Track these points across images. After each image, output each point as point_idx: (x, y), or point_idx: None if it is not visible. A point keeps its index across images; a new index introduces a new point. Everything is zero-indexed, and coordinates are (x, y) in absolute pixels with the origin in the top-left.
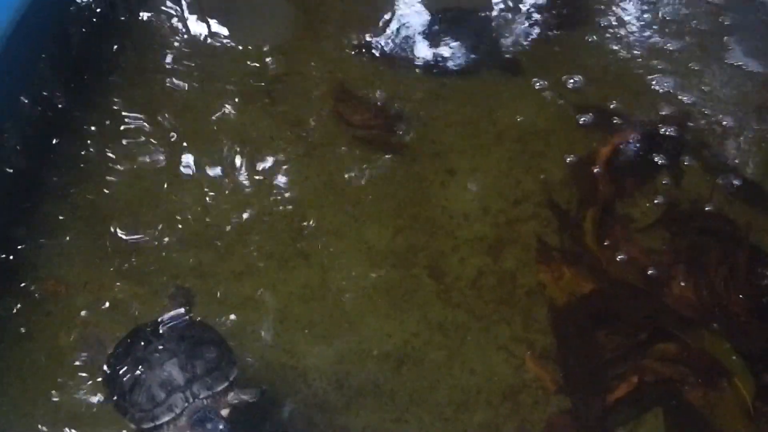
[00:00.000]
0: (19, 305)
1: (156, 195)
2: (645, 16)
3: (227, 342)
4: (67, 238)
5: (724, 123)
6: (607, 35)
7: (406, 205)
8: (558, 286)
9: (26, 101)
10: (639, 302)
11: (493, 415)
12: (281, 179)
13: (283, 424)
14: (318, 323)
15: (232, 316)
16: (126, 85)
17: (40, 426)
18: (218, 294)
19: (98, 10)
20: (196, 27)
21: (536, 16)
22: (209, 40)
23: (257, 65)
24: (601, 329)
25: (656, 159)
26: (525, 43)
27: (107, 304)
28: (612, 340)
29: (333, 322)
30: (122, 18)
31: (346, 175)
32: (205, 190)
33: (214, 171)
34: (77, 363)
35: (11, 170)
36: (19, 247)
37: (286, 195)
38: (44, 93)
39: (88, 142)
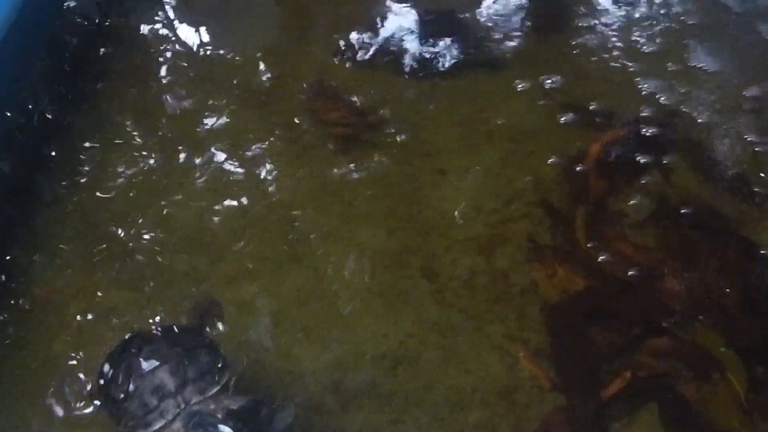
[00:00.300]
0: (12, 314)
1: (149, 200)
2: (624, 19)
3: (220, 346)
4: (60, 245)
5: (708, 120)
6: (589, 38)
7: (399, 206)
8: (551, 284)
9: (17, 108)
10: (631, 298)
11: (489, 414)
12: (274, 182)
13: (280, 428)
14: (313, 326)
15: (227, 321)
16: (118, 92)
17: None
18: (213, 299)
19: (90, 17)
20: (188, 33)
21: (520, 18)
22: (201, 46)
23: (249, 70)
24: (594, 326)
25: (645, 156)
26: (510, 44)
27: (101, 311)
28: (605, 336)
29: (328, 325)
30: (114, 25)
31: (339, 178)
32: (199, 194)
33: (207, 175)
34: (72, 371)
35: (2, 177)
36: (11, 255)
37: (279, 198)
38: (35, 100)
39: (80, 148)
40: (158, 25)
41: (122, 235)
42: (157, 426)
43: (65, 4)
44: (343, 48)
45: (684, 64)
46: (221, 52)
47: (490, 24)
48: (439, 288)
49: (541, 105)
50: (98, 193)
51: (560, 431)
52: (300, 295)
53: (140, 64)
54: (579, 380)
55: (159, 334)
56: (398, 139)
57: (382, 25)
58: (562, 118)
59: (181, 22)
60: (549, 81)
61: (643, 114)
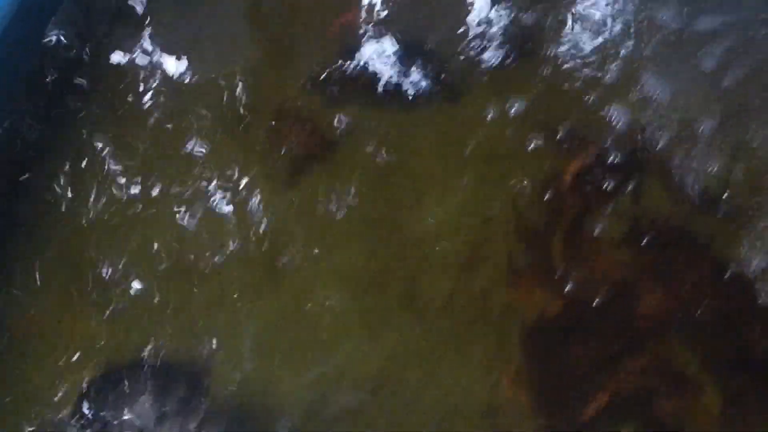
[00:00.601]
0: None
1: (128, 230)
2: (593, 43)
3: (201, 375)
4: (39, 276)
5: (680, 140)
6: (556, 65)
7: (377, 229)
8: (529, 304)
9: None
10: (608, 317)
11: None
12: (253, 209)
13: None
14: (294, 351)
15: (208, 348)
16: (97, 122)
17: None
18: (192, 326)
19: (70, 47)
20: (166, 61)
21: (491, 46)
22: (179, 74)
23: (226, 97)
24: (573, 344)
25: (617, 178)
26: (482, 71)
27: (80, 341)
28: (584, 354)
29: (309, 350)
30: (93, 55)
31: (317, 203)
32: (178, 223)
33: (186, 204)
34: (51, 403)
35: None
36: None
37: (258, 224)
38: (16, 131)
39: (60, 178)
40: (138, 56)
41: (101, 264)
42: None
43: (47, 34)
44: (316, 77)
45: (644, 92)
46: (199, 80)
47: (461, 52)
48: (418, 310)
49: (513, 129)
50: (77, 223)
51: None
52: (280, 319)
53: (120, 94)
54: (559, 399)
55: (138, 365)
56: (376, 163)
57: (355, 55)
58: (534, 142)
59: (158, 52)
60: (519, 106)
61: (613, 137)
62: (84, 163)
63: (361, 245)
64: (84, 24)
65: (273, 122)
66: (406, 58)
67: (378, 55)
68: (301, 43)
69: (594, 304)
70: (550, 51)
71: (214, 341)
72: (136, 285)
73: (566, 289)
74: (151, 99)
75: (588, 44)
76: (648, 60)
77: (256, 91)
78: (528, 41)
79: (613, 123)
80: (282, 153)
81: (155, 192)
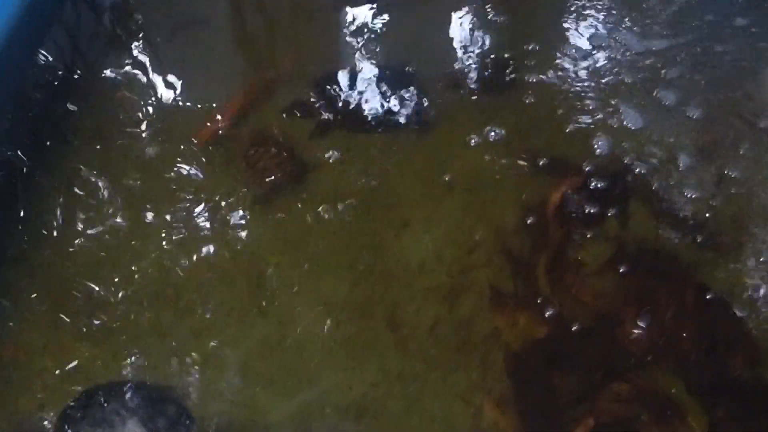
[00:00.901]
0: None
1: (115, 255)
2: (575, 71)
3: (187, 400)
4: (26, 301)
5: (665, 167)
6: (539, 92)
7: (362, 257)
8: (513, 332)
9: None
10: (591, 344)
11: None
12: (239, 236)
13: None
14: (278, 378)
15: (193, 374)
16: (85, 146)
17: None
18: (178, 353)
19: (58, 71)
20: (154, 87)
21: (473, 72)
22: (166, 99)
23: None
24: (556, 372)
25: (601, 204)
26: (464, 98)
27: (67, 367)
28: (567, 382)
29: (293, 377)
30: (82, 79)
31: (303, 231)
32: (165, 248)
33: (173, 230)
34: (36, 429)
35: None
36: None
37: (244, 251)
38: (3, 156)
39: (47, 203)
40: (126, 81)
41: (89, 290)
42: None
43: (35, 57)
44: (297, 102)
45: (623, 120)
46: (187, 105)
47: (444, 79)
48: (402, 338)
49: (495, 156)
50: (65, 248)
51: None
52: (265, 347)
53: (108, 119)
54: (544, 426)
55: (125, 387)
56: (358, 190)
57: (337, 81)
58: (517, 170)
59: (148, 78)
60: (502, 133)
61: (596, 164)
62: (72, 190)
63: (345, 273)
64: (73, 48)
65: (255, 149)
66: (388, 84)
67: (360, 81)
68: (284, 69)
69: (578, 330)
70: (532, 79)
71: (200, 368)
72: (123, 310)
73: (550, 316)
74: (139, 123)
75: (570, 73)
76: (627, 88)
77: (244, 117)
78: (511, 69)
79: (596, 150)
80: (266, 180)
81: (142, 217)
